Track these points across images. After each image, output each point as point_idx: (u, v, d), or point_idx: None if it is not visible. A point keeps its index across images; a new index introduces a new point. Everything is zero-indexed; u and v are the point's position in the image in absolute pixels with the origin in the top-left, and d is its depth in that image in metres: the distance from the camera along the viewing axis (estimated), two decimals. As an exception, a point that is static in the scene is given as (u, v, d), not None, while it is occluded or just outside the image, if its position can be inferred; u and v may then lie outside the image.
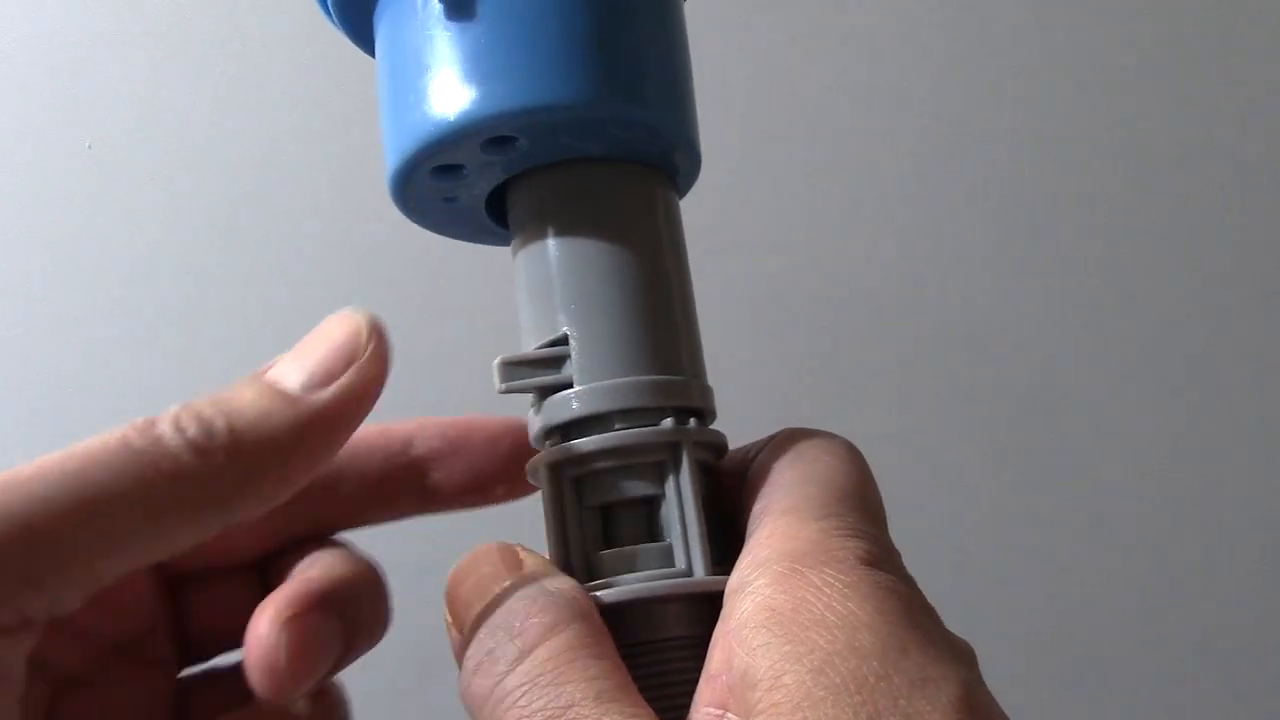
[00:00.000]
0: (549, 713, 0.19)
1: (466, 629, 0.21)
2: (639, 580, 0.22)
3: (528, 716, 0.19)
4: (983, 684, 0.19)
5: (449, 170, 0.24)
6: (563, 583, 0.21)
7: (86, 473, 0.19)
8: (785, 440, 0.23)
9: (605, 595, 0.22)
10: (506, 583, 0.21)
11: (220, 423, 0.20)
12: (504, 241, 0.27)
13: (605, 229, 0.24)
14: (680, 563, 0.22)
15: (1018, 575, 0.62)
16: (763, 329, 0.64)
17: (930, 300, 0.66)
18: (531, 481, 0.25)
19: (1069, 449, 0.65)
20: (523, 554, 0.22)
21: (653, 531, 0.23)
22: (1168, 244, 0.67)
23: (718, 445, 0.24)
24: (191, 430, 0.19)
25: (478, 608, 0.21)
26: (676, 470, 0.23)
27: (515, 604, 0.21)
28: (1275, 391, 0.65)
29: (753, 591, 0.20)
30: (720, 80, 0.66)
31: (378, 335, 0.21)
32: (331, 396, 0.21)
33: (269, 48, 0.65)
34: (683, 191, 0.26)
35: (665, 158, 0.25)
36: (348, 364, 0.21)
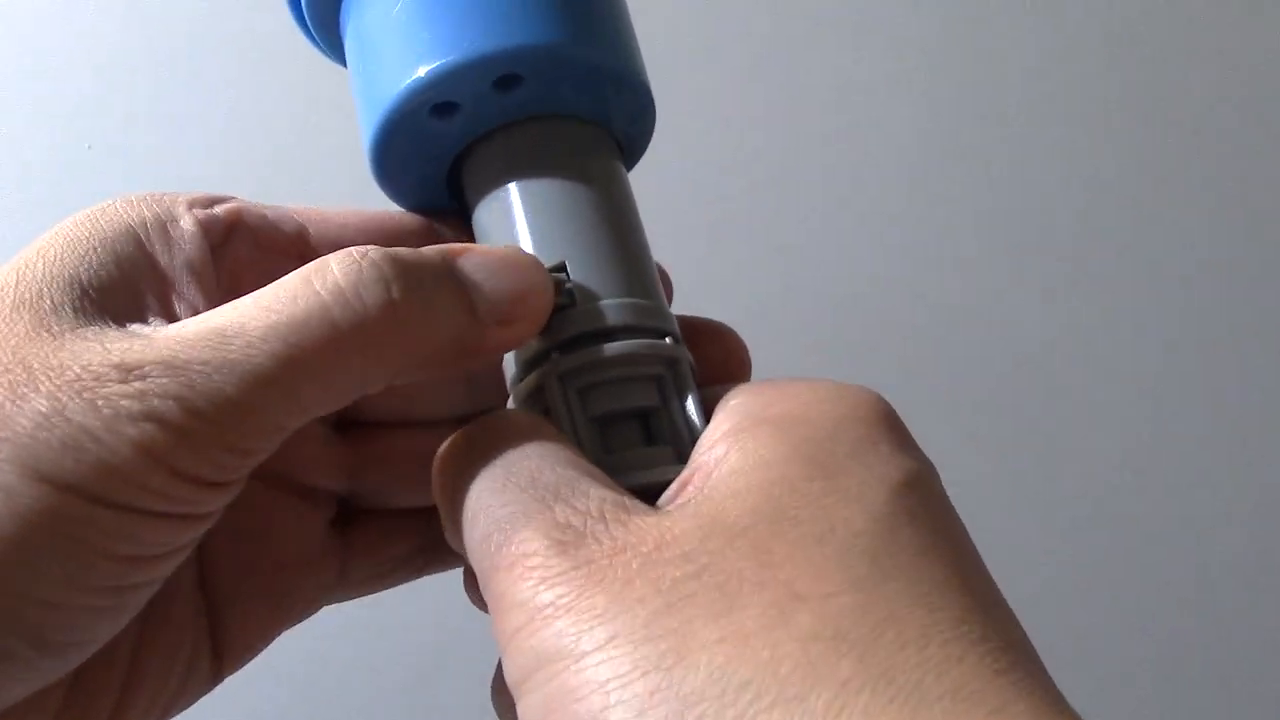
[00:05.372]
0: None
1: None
2: (653, 473, 0.23)
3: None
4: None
5: (444, 110, 0.25)
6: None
7: (287, 342, 0.20)
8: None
9: (622, 481, 0.22)
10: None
11: (412, 300, 0.21)
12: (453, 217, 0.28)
13: (587, 178, 0.26)
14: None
15: (1015, 573, 0.62)
16: (763, 328, 0.63)
17: (930, 300, 0.66)
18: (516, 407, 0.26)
19: (1068, 448, 0.65)
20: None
21: (650, 442, 0.24)
22: (1171, 244, 0.67)
23: (695, 371, 0.26)
24: (382, 294, 0.21)
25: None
26: (678, 382, 0.24)
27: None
28: (1275, 390, 0.65)
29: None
30: (719, 78, 0.66)
31: (549, 303, 0.24)
32: (497, 339, 0.23)
33: (273, 53, 0.65)
34: (629, 164, 0.29)
35: (632, 125, 0.27)
36: (523, 314, 0.23)
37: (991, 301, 0.66)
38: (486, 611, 0.25)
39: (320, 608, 0.28)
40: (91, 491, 0.18)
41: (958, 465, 0.65)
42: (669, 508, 0.20)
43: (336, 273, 0.21)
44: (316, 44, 0.29)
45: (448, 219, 0.28)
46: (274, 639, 0.27)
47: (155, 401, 0.19)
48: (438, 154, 0.27)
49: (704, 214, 0.65)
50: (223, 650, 0.25)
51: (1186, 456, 0.66)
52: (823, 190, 0.67)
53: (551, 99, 0.26)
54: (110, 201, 0.23)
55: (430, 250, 0.23)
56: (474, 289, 0.23)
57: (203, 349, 0.20)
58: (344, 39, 0.27)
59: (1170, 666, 0.64)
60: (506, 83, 0.25)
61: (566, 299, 0.24)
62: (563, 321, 0.24)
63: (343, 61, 0.28)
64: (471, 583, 0.25)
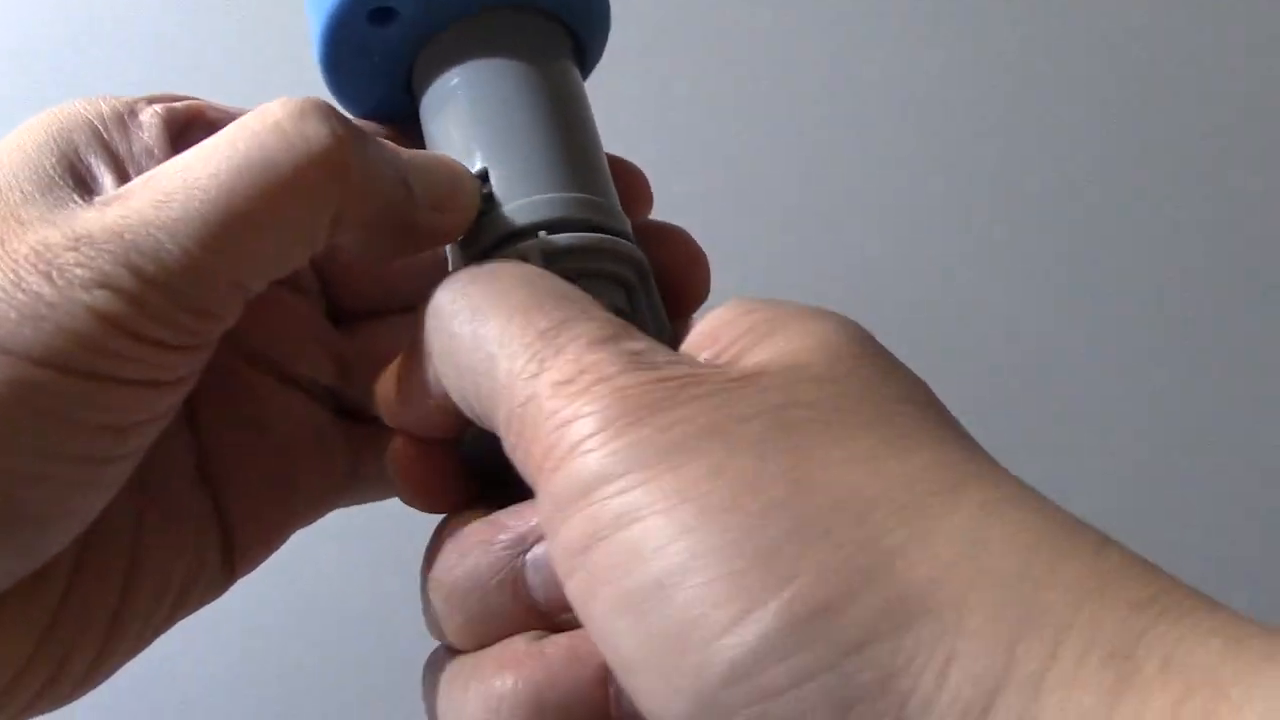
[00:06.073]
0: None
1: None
2: None
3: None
4: None
5: (382, 17, 0.25)
6: None
7: (229, 190, 0.20)
8: None
9: None
10: None
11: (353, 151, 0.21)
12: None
13: (550, 75, 0.25)
14: None
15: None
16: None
17: (931, 299, 0.66)
18: None
19: (1069, 448, 0.65)
20: None
21: None
22: (1172, 244, 0.67)
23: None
24: (325, 129, 0.21)
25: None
26: (645, 286, 0.24)
27: None
28: (1275, 389, 0.65)
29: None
30: (720, 72, 0.66)
31: (475, 201, 0.23)
32: (431, 223, 0.22)
33: (274, 52, 0.65)
34: (586, 67, 0.28)
35: (586, 15, 0.26)
36: (453, 205, 0.23)
37: (991, 301, 0.66)
38: (420, 505, 0.23)
39: (335, 506, 0.27)
40: (54, 360, 0.18)
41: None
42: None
43: (279, 113, 0.21)
44: None
45: (401, 126, 0.28)
46: (287, 534, 0.26)
47: (106, 267, 0.19)
48: (388, 61, 0.26)
49: (703, 212, 0.65)
50: (234, 545, 0.25)
51: (1186, 456, 0.65)
52: (821, 189, 0.67)
53: None
54: (71, 100, 0.24)
55: None
56: (408, 169, 0.22)
57: (147, 210, 0.20)
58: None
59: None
60: None
61: (486, 204, 0.24)
62: (543, 204, 0.23)
63: None
64: (406, 473, 0.23)
